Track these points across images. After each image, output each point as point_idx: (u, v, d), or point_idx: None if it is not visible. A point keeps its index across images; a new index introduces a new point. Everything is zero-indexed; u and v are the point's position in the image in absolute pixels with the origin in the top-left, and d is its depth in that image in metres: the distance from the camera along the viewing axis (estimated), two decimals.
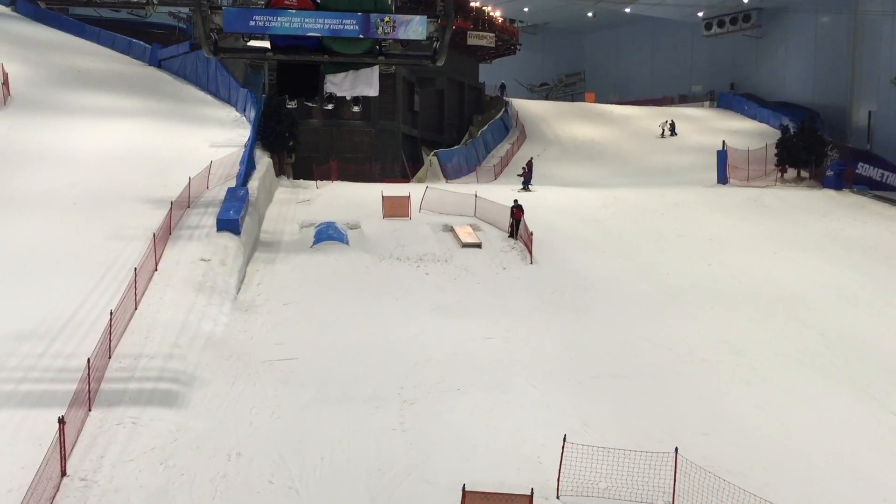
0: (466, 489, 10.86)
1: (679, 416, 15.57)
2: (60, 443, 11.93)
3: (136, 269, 18.13)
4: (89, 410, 13.74)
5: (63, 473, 12.03)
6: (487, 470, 13.16)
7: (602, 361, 17.85)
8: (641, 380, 17.08)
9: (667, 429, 14.99)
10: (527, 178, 36.05)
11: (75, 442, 12.79)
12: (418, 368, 16.98)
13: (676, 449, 12.49)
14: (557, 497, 12.47)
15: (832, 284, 24.16)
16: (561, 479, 12.57)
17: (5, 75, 35.63)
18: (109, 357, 15.52)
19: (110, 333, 15.58)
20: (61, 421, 11.85)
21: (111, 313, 15.72)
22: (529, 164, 40.81)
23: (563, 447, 12.60)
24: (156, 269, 19.99)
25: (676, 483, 12.46)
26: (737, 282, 23.97)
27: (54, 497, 11.56)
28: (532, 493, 11.00)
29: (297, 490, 12.37)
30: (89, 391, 13.76)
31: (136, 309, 17.79)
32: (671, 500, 12.44)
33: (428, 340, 18.51)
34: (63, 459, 12.02)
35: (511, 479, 12.88)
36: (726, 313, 21.35)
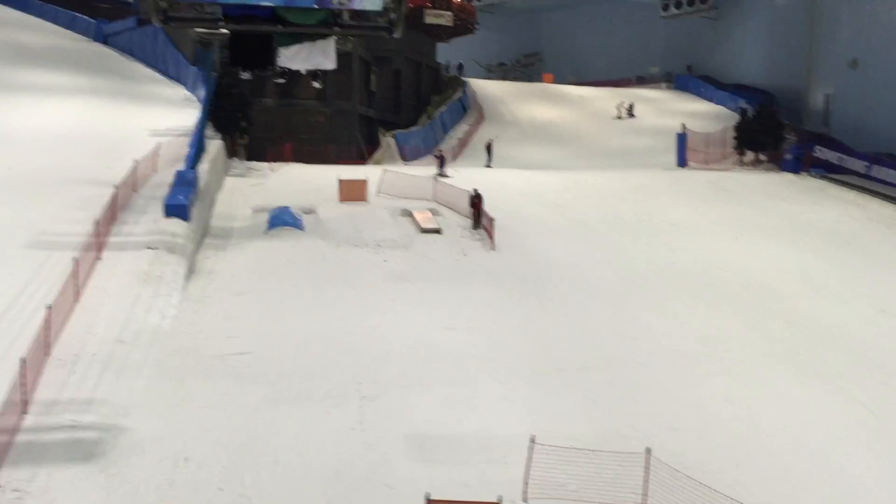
0: (430, 498, 10.21)
1: (647, 409, 15.14)
2: None
3: (75, 258, 17.05)
4: (24, 414, 12.78)
5: None
6: (451, 472, 12.56)
7: (567, 353, 17.34)
8: (608, 372, 16.61)
9: (635, 423, 14.55)
10: (441, 163, 34.18)
11: (7, 450, 11.85)
12: (377, 363, 16.28)
13: (648, 449, 12.00)
14: (525, 500, 11.94)
15: (794, 270, 24.00)
16: (529, 481, 12.01)
17: None
18: (47, 355, 14.52)
19: (48, 330, 14.57)
20: None
21: (48, 308, 14.70)
22: (489, 146, 40.23)
23: (530, 448, 12.01)
24: (99, 258, 18.91)
25: (648, 483, 11.97)
26: (700, 268, 23.66)
27: None
28: (500, 501, 10.40)
29: (249, 498, 11.63)
30: (24, 395, 12.78)
31: (76, 301, 16.75)
32: (642, 501, 11.96)
33: (387, 332, 17.80)
34: None
35: (476, 481, 12.31)
36: (691, 301, 21.01)
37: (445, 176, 32.37)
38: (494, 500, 10.54)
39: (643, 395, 15.71)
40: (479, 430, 13.90)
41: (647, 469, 11.91)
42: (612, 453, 12.39)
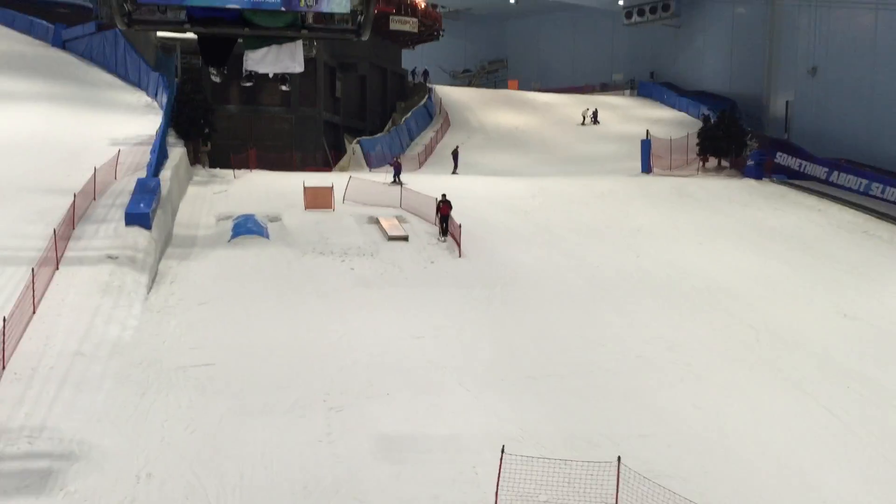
0: None
1: (617, 417, 15.09)
2: None
3: (33, 269, 16.60)
4: None
5: None
6: (420, 484, 12.38)
7: (536, 360, 17.26)
8: (577, 379, 16.55)
9: (605, 431, 14.49)
10: (396, 170, 33.13)
11: None
12: (344, 372, 16.06)
13: (619, 458, 11.94)
14: None
15: (758, 275, 24.21)
16: (499, 492, 11.87)
17: None
18: (2, 368, 14.08)
19: (3, 342, 14.14)
20: None
21: (3, 320, 14.26)
22: (455, 153, 40.16)
23: (500, 460, 11.87)
24: (57, 268, 18.45)
25: (619, 493, 11.91)
26: (665, 273, 23.77)
27: None
28: None
29: None
30: None
31: (34, 313, 16.30)
32: None
33: (354, 341, 17.59)
34: None
35: (446, 494, 12.16)
36: (657, 306, 21.08)
37: (400, 183, 31.87)
38: None
39: (612, 403, 15.66)
40: (447, 440, 13.74)
41: (618, 478, 11.82)
42: (582, 462, 12.29)
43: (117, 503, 11.33)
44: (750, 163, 37.60)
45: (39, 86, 36.22)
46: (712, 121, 40.24)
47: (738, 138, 39.59)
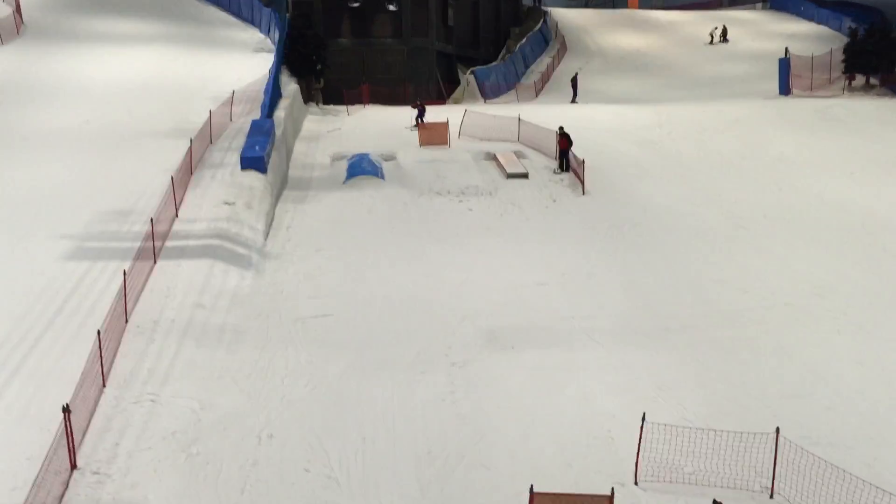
0: (535, 490, 9.16)
1: (766, 374, 13.68)
2: (67, 434, 10.46)
3: (151, 219, 16.44)
4: (103, 387, 12.26)
5: (73, 466, 10.60)
6: (552, 450, 11.49)
7: (672, 309, 15.92)
8: (718, 330, 15.14)
9: (753, 392, 13.15)
10: (420, 112, 29.13)
11: (87, 427, 11.33)
12: (466, 323, 15.23)
13: (778, 430, 10.64)
14: (636, 483, 10.78)
15: None
16: (640, 462, 10.85)
17: (17, 2, 33.68)
18: (126, 321, 13.98)
19: (125, 295, 14.00)
20: (66, 410, 10.34)
21: (124, 273, 14.10)
22: (574, 80, 38.21)
23: (641, 429, 10.79)
24: (176, 216, 18.31)
25: (775, 464, 10.65)
26: (813, 208, 21.68)
27: (63, 495, 10.15)
28: (612, 493, 9.27)
29: (337, 480, 10.82)
30: (101, 366, 12.24)
31: (154, 263, 16.20)
32: (770, 485, 10.67)
33: (475, 289, 16.72)
34: (71, 451, 10.56)
35: (580, 463, 11.23)
36: (805, 246, 19.19)
37: (421, 124, 28.58)
38: (604, 492, 9.43)
39: (761, 358, 14.21)
40: (579, 401, 12.75)
41: (776, 451, 10.55)
42: (732, 433, 11.05)
43: (239, 466, 10.97)
44: None
45: (156, 27, 36.46)
46: (860, 34, 36.49)
47: (889, 53, 35.78)
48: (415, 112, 29.31)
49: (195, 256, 16.69)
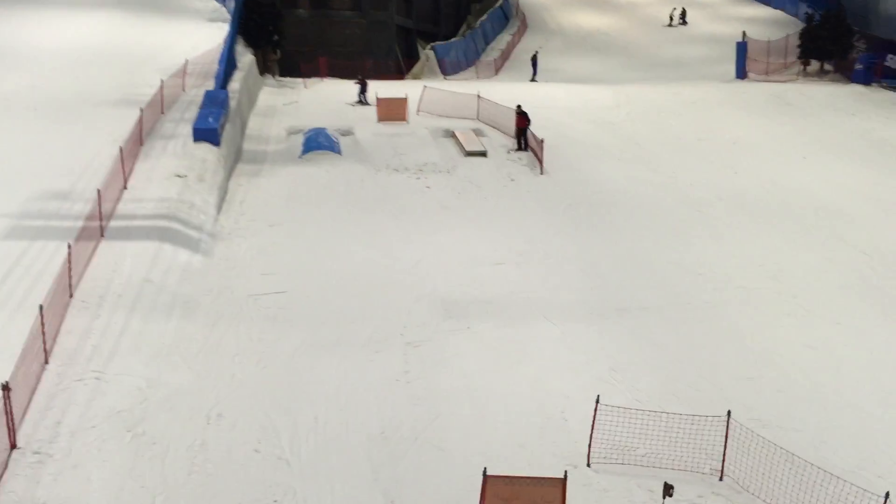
0: (488, 473, 9.09)
1: (718, 357, 13.79)
2: (7, 412, 10.10)
3: (98, 190, 15.92)
4: (45, 363, 11.88)
5: (13, 445, 10.25)
6: (505, 431, 11.46)
7: (627, 291, 15.96)
8: (672, 312, 15.23)
9: (705, 373, 13.26)
10: (362, 88, 28.71)
11: (28, 403, 10.97)
12: (422, 302, 15.10)
13: (729, 413, 10.72)
14: (588, 465, 10.79)
15: (869, 193, 22.10)
16: (592, 444, 10.85)
17: None
18: (70, 296, 13.55)
19: (69, 269, 13.56)
20: (5, 387, 9.98)
21: (69, 247, 13.64)
22: (534, 58, 38.03)
23: (595, 410, 10.79)
24: (125, 188, 17.79)
25: (726, 447, 10.74)
26: (767, 192, 21.89)
27: (1, 475, 9.80)
28: (565, 476, 9.24)
29: (288, 461, 10.64)
30: (44, 342, 11.84)
31: (102, 237, 15.72)
32: (720, 467, 10.76)
33: (431, 267, 16.57)
34: (10, 430, 10.21)
35: (533, 443, 11.21)
36: (759, 230, 19.38)
37: (366, 104, 28.21)
38: (557, 475, 9.39)
39: (712, 340, 14.34)
40: (533, 382, 12.72)
41: (726, 434, 10.63)
42: (686, 416, 11.10)
43: (187, 446, 10.72)
44: (858, 66, 34.45)
45: None
46: (816, 20, 36.85)
47: (843, 39, 36.22)
48: (357, 88, 28.65)
49: (144, 231, 16.24)
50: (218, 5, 35.51)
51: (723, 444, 10.71)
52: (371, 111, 26.91)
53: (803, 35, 36.69)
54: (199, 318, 13.94)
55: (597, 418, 10.89)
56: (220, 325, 13.80)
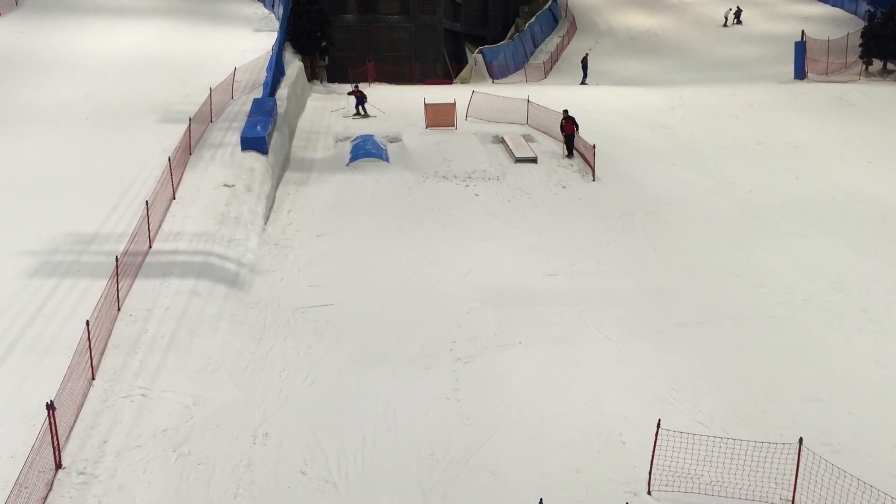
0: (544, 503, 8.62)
1: (784, 375, 13.09)
2: (51, 432, 9.94)
3: (147, 202, 15.82)
4: (92, 380, 11.73)
5: (58, 465, 10.09)
6: (560, 454, 10.95)
7: (686, 304, 15.31)
8: (734, 327, 14.55)
9: (770, 393, 12.57)
10: (359, 100, 27.47)
11: (74, 423, 10.82)
12: (472, 316, 14.67)
13: (801, 440, 10.08)
14: (649, 493, 10.24)
15: None
16: (653, 470, 10.31)
17: None
18: (118, 310, 13.43)
19: (118, 282, 13.45)
20: (50, 406, 9.81)
21: (116, 259, 13.53)
22: (584, 61, 37.39)
23: (656, 435, 10.24)
24: (173, 198, 17.72)
25: (797, 477, 10.10)
26: (830, 198, 20.99)
27: (46, 496, 9.64)
28: None
29: (335, 484, 10.30)
30: (91, 357, 11.70)
31: (150, 247, 15.62)
32: (791, 496, 10.12)
33: (482, 279, 16.13)
34: (56, 450, 10.05)
35: (590, 468, 10.68)
36: (823, 239, 18.54)
37: (365, 116, 27.20)
38: (616, 503, 8.89)
39: (778, 357, 13.62)
40: (589, 401, 12.19)
41: (798, 462, 10.00)
42: (752, 442, 10.48)
43: (233, 467, 10.46)
44: None
45: (156, 0, 35.67)
46: (878, 18, 35.54)
47: None
48: (353, 100, 27.46)
49: (191, 242, 16.10)
50: (267, 12, 35.58)
51: (793, 472, 10.08)
52: (420, 117, 26.47)
53: (865, 33, 35.40)
54: (246, 332, 13.72)
55: (657, 443, 10.34)
56: (266, 339, 13.56)
